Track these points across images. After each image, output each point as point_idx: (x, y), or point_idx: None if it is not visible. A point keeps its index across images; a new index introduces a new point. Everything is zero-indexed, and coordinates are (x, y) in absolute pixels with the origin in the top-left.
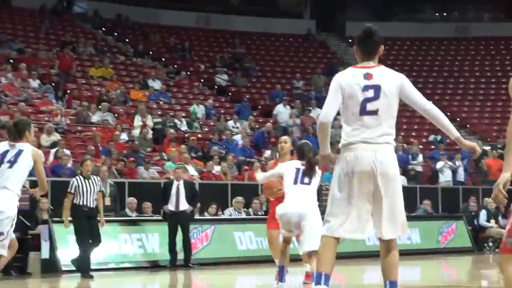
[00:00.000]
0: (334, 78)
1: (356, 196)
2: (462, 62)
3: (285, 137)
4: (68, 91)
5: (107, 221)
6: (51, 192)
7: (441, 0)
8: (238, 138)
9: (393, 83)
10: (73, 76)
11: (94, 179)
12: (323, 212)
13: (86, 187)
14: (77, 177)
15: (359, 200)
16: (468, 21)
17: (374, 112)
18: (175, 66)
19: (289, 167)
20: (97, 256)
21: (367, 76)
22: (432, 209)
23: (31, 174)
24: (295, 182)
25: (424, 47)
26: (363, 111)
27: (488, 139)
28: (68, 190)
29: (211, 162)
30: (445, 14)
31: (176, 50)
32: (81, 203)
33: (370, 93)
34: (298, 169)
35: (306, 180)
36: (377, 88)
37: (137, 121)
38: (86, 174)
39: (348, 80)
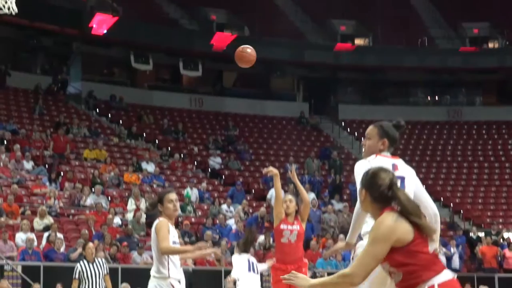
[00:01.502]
0: (364, 165)
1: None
2: (455, 146)
3: (290, 196)
4: (62, 173)
5: None
6: (44, 278)
7: (433, 84)
8: (231, 222)
9: (413, 176)
10: (67, 157)
11: (99, 261)
12: None
13: (92, 271)
14: (81, 262)
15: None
16: (460, 105)
17: None
18: (169, 148)
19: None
20: None
21: (394, 167)
22: None
23: None
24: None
25: (417, 130)
26: None
27: (482, 225)
28: (73, 277)
29: None
30: (437, 98)
31: (169, 132)
32: None
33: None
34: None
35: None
36: (402, 179)
37: (131, 204)
38: (90, 258)
39: None
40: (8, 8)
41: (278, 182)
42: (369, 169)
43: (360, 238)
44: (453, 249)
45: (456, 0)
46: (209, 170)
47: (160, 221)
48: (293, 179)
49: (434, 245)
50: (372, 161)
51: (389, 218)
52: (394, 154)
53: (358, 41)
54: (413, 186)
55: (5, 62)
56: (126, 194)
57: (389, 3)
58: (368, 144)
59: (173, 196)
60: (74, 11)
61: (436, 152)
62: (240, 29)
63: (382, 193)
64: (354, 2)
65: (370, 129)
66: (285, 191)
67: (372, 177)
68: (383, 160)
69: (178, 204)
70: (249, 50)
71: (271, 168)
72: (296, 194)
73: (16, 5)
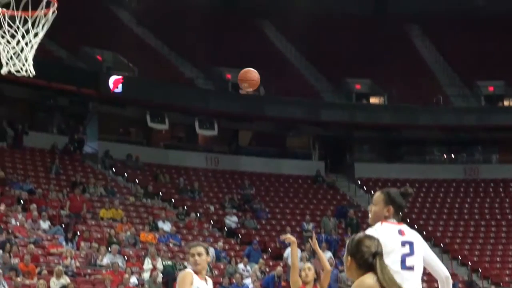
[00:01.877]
0: (371, 233)
1: None
2: (472, 204)
3: (308, 264)
4: (78, 233)
5: None
6: None
7: (449, 142)
8: (248, 281)
9: (421, 241)
10: (83, 217)
11: None
12: None
13: None
14: None
15: None
16: (476, 163)
17: (411, 268)
18: (185, 207)
19: None
20: None
21: (401, 232)
22: None
23: None
24: None
25: (433, 188)
26: (403, 266)
27: (501, 283)
28: None
29: None
30: (453, 156)
31: (185, 191)
32: None
33: (407, 249)
34: None
35: None
36: (411, 244)
37: (147, 264)
38: None
39: (387, 235)
40: (26, 71)
41: (295, 249)
42: (354, 236)
43: None
44: None
45: (471, 58)
46: (226, 229)
47: (184, 272)
48: (314, 246)
49: None
50: (379, 229)
51: (371, 278)
52: (404, 218)
53: (374, 100)
54: (421, 251)
55: (22, 122)
56: (143, 253)
57: (404, 62)
58: (374, 210)
59: (194, 250)
60: (90, 72)
61: (453, 210)
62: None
63: (366, 260)
64: (369, 61)
65: (377, 195)
66: (302, 250)
67: (357, 244)
68: (389, 227)
69: (200, 258)
70: (252, 71)
71: (288, 236)
72: (313, 253)
73: (34, 66)
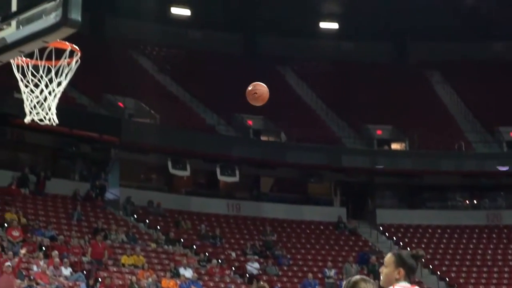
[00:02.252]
0: None
1: None
2: (495, 250)
3: None
4: (100, 279)
5: None
6: None
7: (471, 187)
8: None
9: None
10: (105, 264)
11: None
12: None
13: None
14: None
15: None
16: (499, 209)
17: None
18: (206, 253)
19: None
20: None
21: None
22: None
23: None
24: None
25: (456, 235)
26: None
27: None
28: None
29: None
30: (475, 201)
31: (207, 237)
32: None
33: None
34: None
35: None
36: None
37: None
38: None
39: None
40: (49, 120)
41: None
42: (350, 278)
43: None
44: None
45: (492, 104)
46: (247, 276)
47: None
48: None
49: None
50: None
51: None
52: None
53: (395, 146)
54: None
55: (44, 168)
56: None
57: (425, 108)
58: (385, 272)
59: None
60: (112, 119)
61: (476, 257)
62: (277, 134)
63: None
64: (390, 107)
65: (388, 257)
66: None
67: (352, 286)
68: None
69: None
70: (259, 87)
71: None
72: None
73: (56, 114)
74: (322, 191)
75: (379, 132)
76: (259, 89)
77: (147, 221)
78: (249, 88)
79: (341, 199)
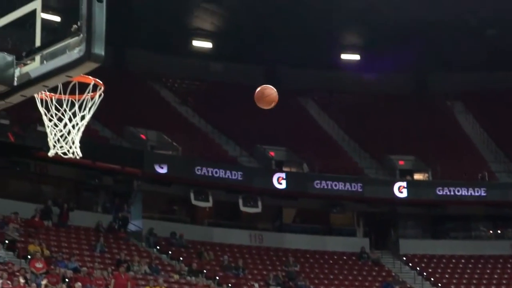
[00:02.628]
0: None
1: None
2: None
3: None
4: None
5: None
6: None
7: (495, 217)
8: None
9: None
10: None
11: None
12: None
13: None
14: None
15: None
16: None
17: None
18: (229, 284)
19: None
20: None
21: None
22: None
23: None
24: None
25: (480, 265)
26: None
27: None
28: None
29: None
30: (499, 231)
31: (230, 268)
32: None
33: None
34: None
35: None
36: None
37: None
38: None
39: None
40: (73, 153)
41: None
42: None
43: None
44: None
45: None
46: None
47: None
48: None
49: None
50: None
51: None
52: None
53: (418, 176)
54: None
55: (67, 201)
56: None
57: (447, 138)
58: None
59: None
60: (135, 151)
61: (501, 287)
62: (299, 165)
63: None
64: (413, 137)
65: None
66: None
67: None
68: None
69: None
70: (268, 89)
71: None
72: None
73: (80, 147)
74: (345, 222)
75: (401, 162)
76: (267, 91)
77: (169, 252)
78: (258, 89)
79: (364, 229)
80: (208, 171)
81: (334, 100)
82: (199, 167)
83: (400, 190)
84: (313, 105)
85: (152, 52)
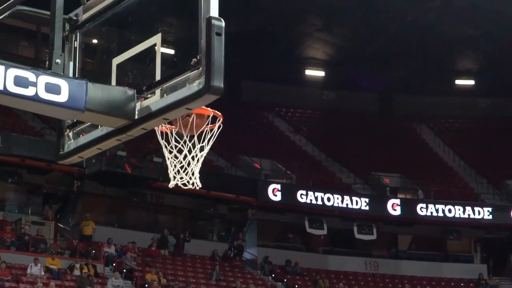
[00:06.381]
0: None
1: None
2: None
3: None
4: None
5: None
6: None
7: None
8: None
9: None
10: None
11: None
12: None
13: None
14: None
15: None
16: None
17: None
18: None
19: None
20: None
21: None
22: None
23: None
24: None
25: None
26: None
27: None
28: None
29: None
30: None
31: None
32: None
33: None
34: None
35: None
36: None
37: None
38: None
39: None
40: (193, 184)
41: None
42: None
43: None
44: None
45: None
46: None
47: None
48: None
49: None
50: None
51: None
52: None
53: None
54: None
55: (183, 229)
56: None
57: None
58: None
59: None
60: (249, 180)
61: None
62: (414, 192)
63: None
64: None
65: None
66: None
67: None
68: None
69: None
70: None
71: None
72: None
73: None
74: (462, 248)
75: None
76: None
77: (285, 280)
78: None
79: (481, 255)
80: (322, 199)
81: (449, 126)
82: (312, 195)
83: None
84: (427, 131)
85: (265, 82)
